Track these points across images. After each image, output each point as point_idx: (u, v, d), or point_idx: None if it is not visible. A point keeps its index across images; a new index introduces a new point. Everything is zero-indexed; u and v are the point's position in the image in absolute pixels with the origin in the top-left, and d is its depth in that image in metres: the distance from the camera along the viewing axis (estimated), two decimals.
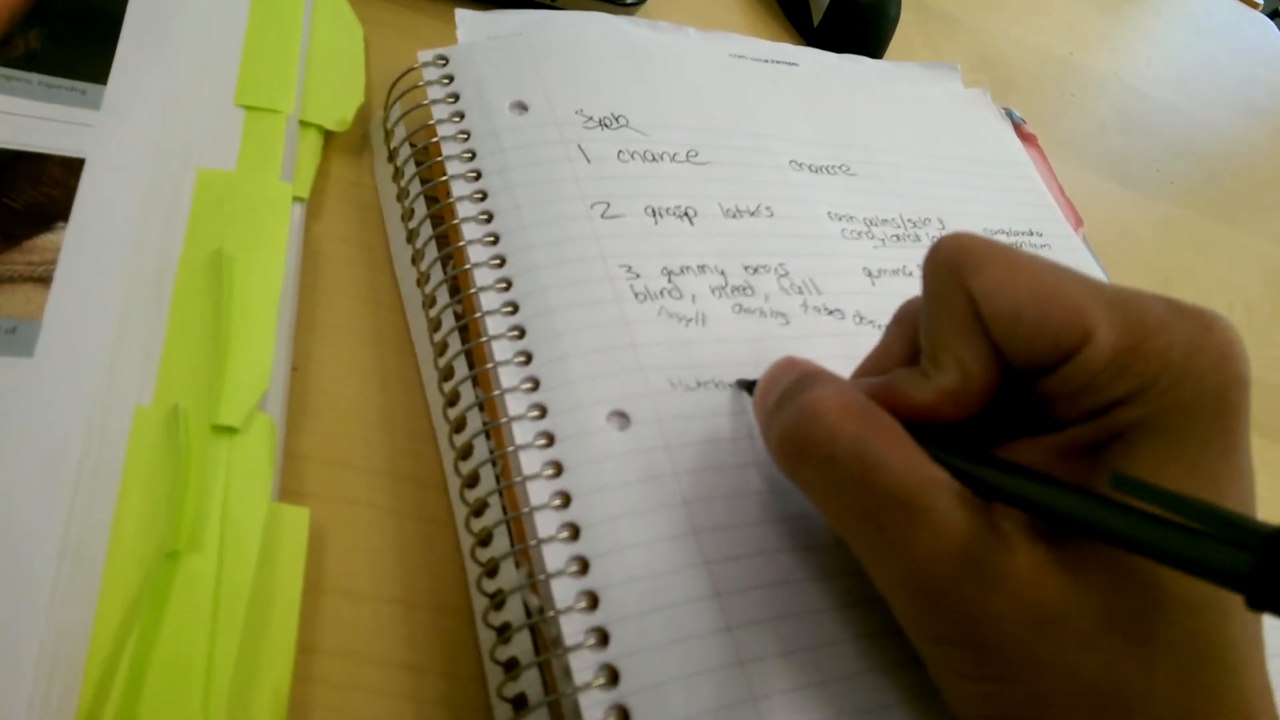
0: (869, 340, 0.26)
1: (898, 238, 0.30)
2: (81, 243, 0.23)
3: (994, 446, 0.19)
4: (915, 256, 0.30)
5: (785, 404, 0.19)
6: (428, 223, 0.26)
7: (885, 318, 0.27)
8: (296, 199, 0.26)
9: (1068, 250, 0.34)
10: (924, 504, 0.17)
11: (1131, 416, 0.17)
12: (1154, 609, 0.16)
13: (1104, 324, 0.17)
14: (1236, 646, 0.16)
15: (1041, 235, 0.34)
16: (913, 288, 0.29)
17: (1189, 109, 0.60)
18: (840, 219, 0.30)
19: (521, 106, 0.27)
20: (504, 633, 0.21)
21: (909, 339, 0.21)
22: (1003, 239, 0.32)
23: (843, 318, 0.27)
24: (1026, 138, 0.38)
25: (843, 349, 0.26)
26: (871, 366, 0.22)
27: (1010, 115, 0.39)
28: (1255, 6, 0.76)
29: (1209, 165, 0.56)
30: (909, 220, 0.31)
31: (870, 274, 0.28)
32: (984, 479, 0.17)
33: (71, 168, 0.24)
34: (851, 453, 0.17)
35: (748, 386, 0.24)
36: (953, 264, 0.19)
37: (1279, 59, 0.73)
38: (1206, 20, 0.72)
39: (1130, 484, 0.15)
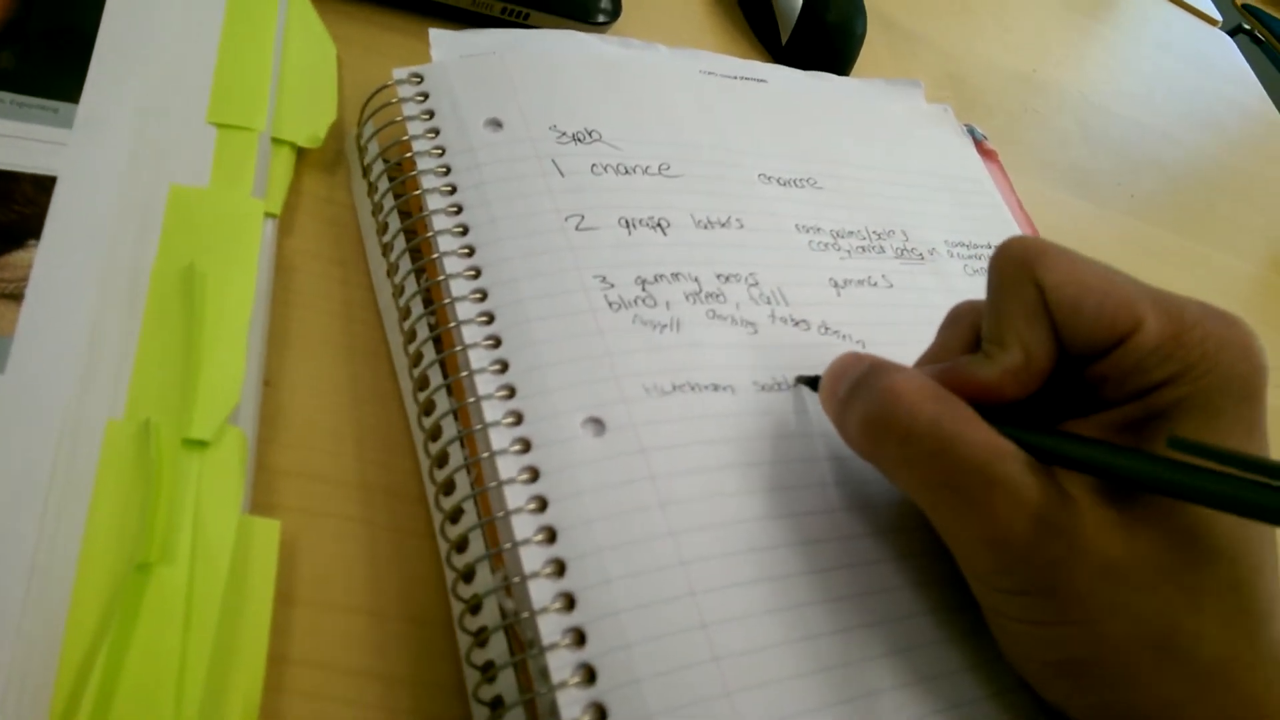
0: (834, 350, 0.27)
1: (863, 249, 0.31)
2: (53, 260, 0.23)
3: (1042, 423, 0.21)
4: (879, 267, 0.30)
5: (861, 391, 0.21)
6: (402, 236, 0.26)
7: (849, 328, 0.28)
8: (269, 215, 0.26)
9: None
10: (1000, 470, 0.19)
11: (1173, 396, 0.19)
12: (1202, 561, 0.18)
13: (1151, 315, 0.20)
14: (1269, 597, 0.19)
15: None
16: (876, 298, 0.29)
17: (1150, 123, 0.62)
18: (808, 231, 0.30)
19: (496, 123, 0.28)
20: (480, 635, 0.21)
21: (964, 336, 0.23)
22: (962, 251, 0.33)
23: (808, 328, 0.27)
24: (987, 154, 0.39)
25: (809, 359, 0.26)
26: (930, 358, 0.24)
27: (972, 132, 0.40)
28: (1214, 24, 0.79)
29: (1169, 178, 0.58)
30: (874, 232, 0.31)
31: (836, 284, 0.29)
32: (1052, 448, 0.19)
33: (44, 186, 0.24)
34: (930, 429, 0.20)
35: (809, 382, 0.25)
36: (1024, 259, 0.21)
37: (1238, 74, 0.75)
38: (1167, 37, 0.74)
39: (1188, 444, 0.18)
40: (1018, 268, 0.21)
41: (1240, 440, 0.19)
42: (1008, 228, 0.36)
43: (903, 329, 0.29)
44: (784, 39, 0.43)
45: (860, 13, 0.44)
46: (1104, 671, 0.19)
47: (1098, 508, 0.19)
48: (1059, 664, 0.20)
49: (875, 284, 0.30)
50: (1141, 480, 0.18)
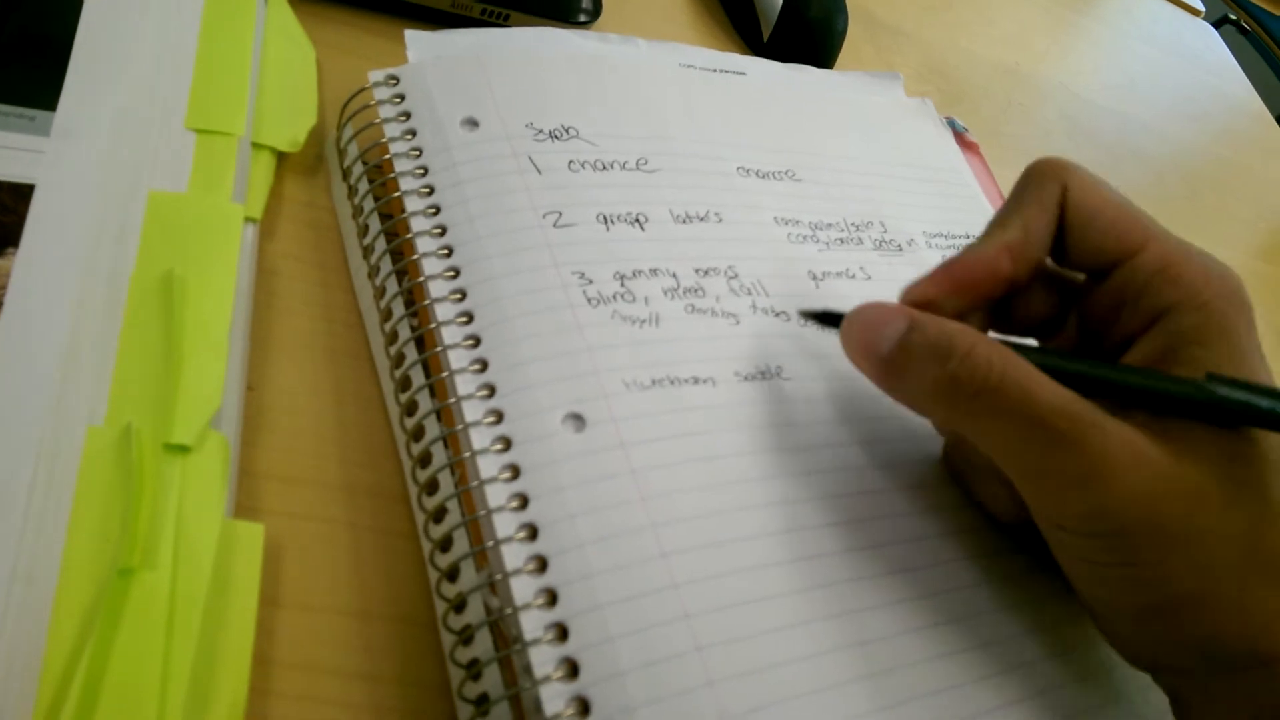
0: (813, 341, 0.27)
1: (841, 241, 0.31)
2: (32, 268, 0.23)
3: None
4: (858, 259, 0.31)
5: (919, 354, 0.21)
6: (382, 238, 0.27)
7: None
8: (249, 219, 0.26)
9: None
10: (1081, 412, 0.19)
11: (1189, 322, 0.21)
12: (1260, 478, 0.20)
13: (1155, 241, 0.22)
14: None
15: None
16: (855, 289, 0.29)
17: (1134, 115, 0.62)
18: (787, 223, 0.30)
19: (472, 122, 0.28)
20: (464, 633, 0.21)
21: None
22: (940, 242, 0.33)
23: (788, 319, 0.27)
24: (968, 146, 0.39)
25: (790, 348, 0.27)
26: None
27: (952, 124, 0.40)
28: (1197, 14, 0.79)
29: (1153, 169, 0.58)
30: (852, 224, 0.32)
31: (815, 277, 0.29)
32: (1125, 382, 0.20)
33: (21, 194, 0.24)
34: (1008, 381, 0.20)
35: (819, 317, 0.25)
36: (1059, 166, 0.23)
37: (1221, 66, 0.75)
38: (1151, 28, 0.74)
39: (1226, 380, 0.19)
40: (1050, 171, 0.23)
41: (1254, 368, 0.20)
42: (986, 218, 0.36)
43: None
44: (765, 36, 0.43)
45: (841, 9, 0.44)
46: (1207, 599, 0.19)
47: (1162, 441, 0.20)
48: (1160, 603, 0.20)
49: (854, 276, 0.30)
50: (1180, 402, 0.20)
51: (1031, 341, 0.26)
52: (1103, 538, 0.20)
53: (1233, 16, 1.81)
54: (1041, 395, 0.20)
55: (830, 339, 0.27)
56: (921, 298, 0.23)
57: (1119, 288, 0.22)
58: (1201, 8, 0.79)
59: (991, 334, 0.23)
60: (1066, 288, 0.25)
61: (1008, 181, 0.42)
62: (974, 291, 0.23)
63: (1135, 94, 0.64)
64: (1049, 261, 0.24)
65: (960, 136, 0.39)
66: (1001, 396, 0.20)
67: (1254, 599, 0.19)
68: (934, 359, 0.21)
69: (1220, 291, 0.21)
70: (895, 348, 0.22)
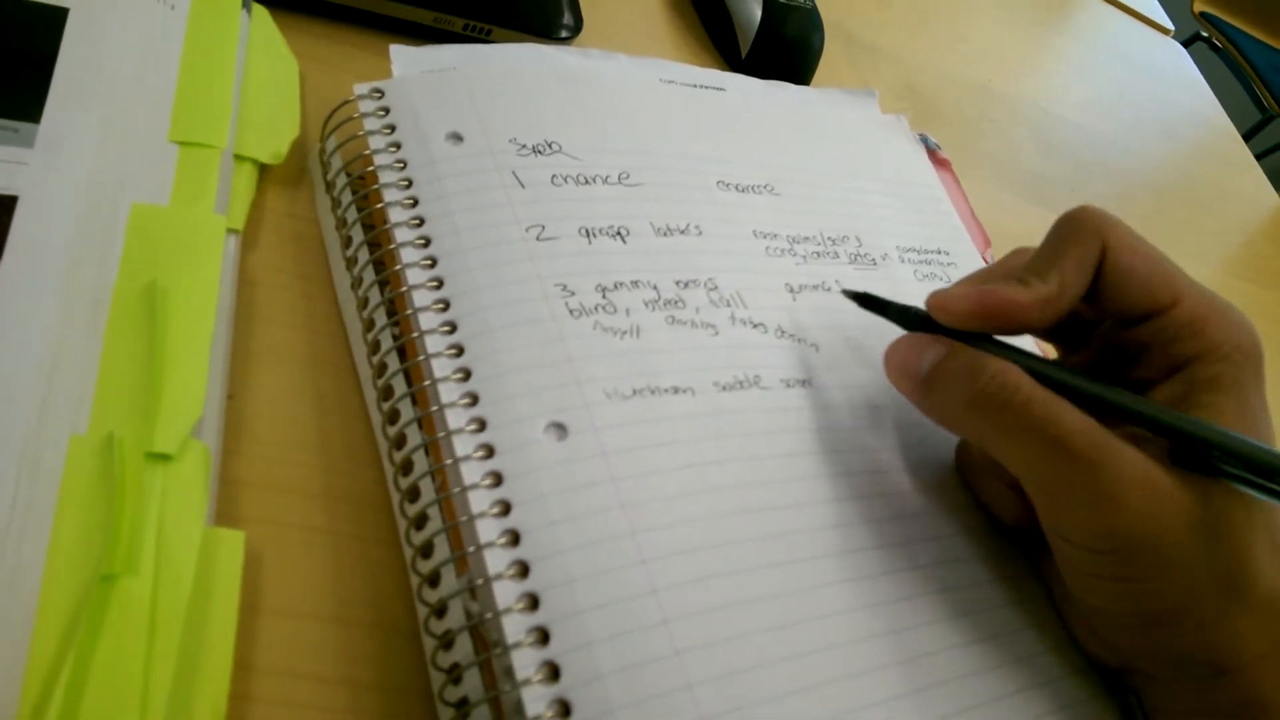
0: (788, 352, 0.27)
1: (818, 254, 0.31)
2: (15, 279, 0.23)
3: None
4: (834, 272, 0.31)
5: (953, 372, 0.24)
6: (366, 249, 0.27)
7: (804, 331, 0.29)
8: (231, 231, 0.27)
9: (972, 269, 0.35)
10: (1099, 438, 0.21)
11: (1209, 373, 0.23)
12: (1252, 510, 0.21)
13: (1188, 296, 0.24)
14: None
15: (949, 254, 0.35)
16: (830, 302, 0.30)
17: (1104, 131, 0.63)
18: (765, 237, 0.31)
19: (457, 137, 0.28)
20: (445, 637, 0.21)
21: (1011, 269, 0.25)
22: (913, 256, 0.34)
23: (765, 331, 0.28)
24: (941, 163, 0.40)
25: (766, 360, 0.27)
26: (975, 281, 0.26)
27: (925, 141, 0.41)
28: (1167, 33, 0.81)
29: (1123, 185, 0.59)
30: (829, 238, 0.32)
31: (791, 289, 0.30)
32: (1149, 414, 0.22)
33: (5, 205, 0.24)
34: (1033, 401, 0.22)
35: (859, 298, 0.27)
36: (1098, 220, 0.24)
37: (1189, 83, 0.77)
38: (1121, 47, 0.76)
39: (1232, 456, 0.21)
40: (1092, 226, 0.24)
41: (1257, 416, 0.23)
42: (957, 234, 0.37)
43: (855, 333, 0.29)
44: (744, 53, 0.44)
45: (817, 27, 0.45)
46: (1188, 616, 0.21)
47: (1177, 469, 0.21)
48: (1147, 614, 0.22)
49: (829, 289, 0.30)
50: (1238, 454, 0.21)
51: (1050, 349, 0.28)
52: (1104, 554, 0.22)
53: (1204, 34, 1.85)
54: (1063, 417, 0.21)
55: (807, 351, 0.28)
56: (945, 305, 0.25)
57: (1148, 336, 0.24)
58: (1171, 26, 0.81)
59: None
60: (1092, 320, 0.27)
61: (979, 197, 0.43)
62: (995, 324, 0.24)
63: (1105, 110, 0.66)
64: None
65: (933, 153, 0.40)
66: (1026, 414, 0.22)
67: (1223, 619, 0.21)
68: (967, 376, 0.23)
69: (1239, 344, 0.23)
70: (932, 369, 0.24)
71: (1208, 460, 0.21)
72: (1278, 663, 0.21)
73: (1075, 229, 0.25)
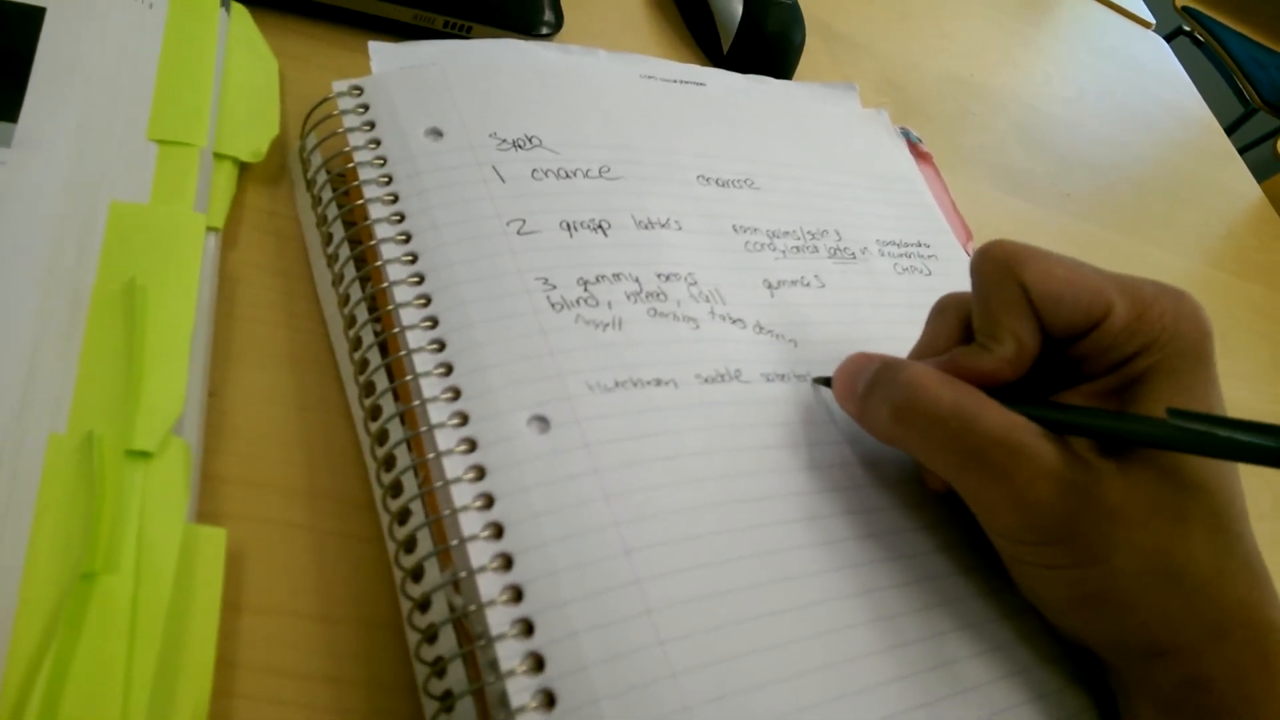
0: (767, 348, 0.27)
1: (797, 249, 0.32)
2: None
3: (1044, 399, 0.24)
4: (813, 267, 0.31)
5: (883, 386, 0.24)
6: (346, 246, 0.27)
7: (781, 327, 0.29)
8: (211, 229, 0.27)
9: (953, 261, 0.36)
10: (1020, 440, 0.22)
11: (1144, 365, 0.23)
12: (1186, 496, 0.22)
13: (1119, 301, 0.23)
14: (1241, 518, 0.23)
15: (929, 247, 0.35)
16: (808, 298, 0.30)
17: (1085, 125, 0.63)
18: (745, 231, 0.31)
19: (436, 132, 0.28)
20: (429, 631, 0.21)
21: (951, 326, 0.26)
22: (893, 250, 0.34)
23: (744, 327, 0.28)
24: (922, 156, 0.40)
25: (746, 354, 0.27)
26: (923, 351, 0.27)
27: (906, 134, 0.41)
28: (1148, 27, 0.81)
29: (1104, 178, 0.59)
30: (808, 232, 0.32)
31: (770, 285, 0.30)
32: (1062, 419, 0.23)
33: None
34: (953, 411, 0.22)
35: (825, 382, 0.27)
36: (1006, 261, 0.24)
37: (1171, 77, 0.77)
38: (1103, 40, 0.76)
39: (1185, 414, 0.21)
40: (1001, 269, 0.24)
41: (1201, 394, 0.23)
42: (938, 227, 0.37)
43: (833, 328, 0.30)
44: (725, 48, 0.44)
45: (799, 23, 0.45)
46: (1116, 599, 0.22)
47: (1100, 462, 0.22)
48: (1078, 599, 0.23)
49: (808, 284, 0.30)
50: (1141, 439, 0.22)
51: None
52: (1031, 546, 0.23)
53: (1186, 28, 1.86)
54: (980, 427, 0.22)
55: (785, 346, 0.28)
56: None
57: (1088, 348, 0.24)
58: (1152, 20, 0.81)
59: None
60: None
61: (960, 191, 0.43)
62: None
63: (1086, 104, 0.66)
64: None
65: (914, 146, 0.40)
66: (943, 427, 0.22)
67: (1151, 602, 0.22)
68: (887, 389, 0.24)
69: (1177, 332, 0.23)
70: (865, 386, 0.25)
71: (1124, 446, 0.22)
72: (1216, 643, 0.21)
73: (988, 279, 0.24)
